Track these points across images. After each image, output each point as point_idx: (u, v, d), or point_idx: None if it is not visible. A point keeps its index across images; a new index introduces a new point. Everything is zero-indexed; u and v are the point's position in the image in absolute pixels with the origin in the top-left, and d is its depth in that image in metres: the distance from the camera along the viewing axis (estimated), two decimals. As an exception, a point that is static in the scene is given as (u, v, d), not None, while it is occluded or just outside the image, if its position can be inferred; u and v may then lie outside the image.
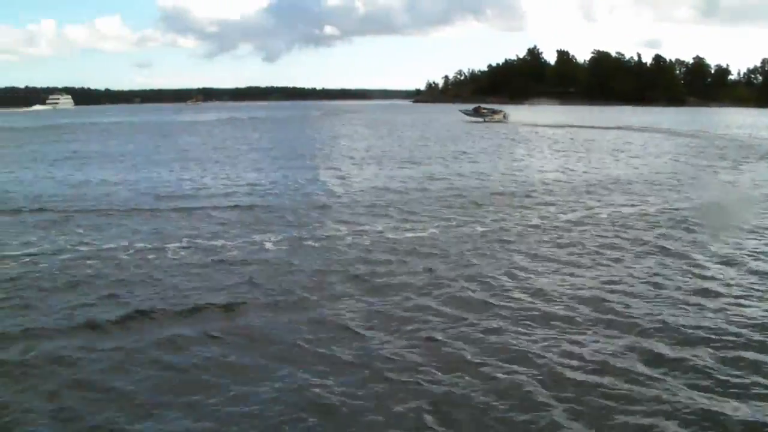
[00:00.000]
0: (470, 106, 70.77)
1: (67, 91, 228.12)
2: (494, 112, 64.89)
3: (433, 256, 10.70)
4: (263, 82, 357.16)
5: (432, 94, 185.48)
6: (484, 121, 62.42)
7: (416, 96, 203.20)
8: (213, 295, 8.66)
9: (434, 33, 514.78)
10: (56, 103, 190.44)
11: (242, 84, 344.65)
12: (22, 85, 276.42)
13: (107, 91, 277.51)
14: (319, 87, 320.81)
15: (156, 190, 18.54)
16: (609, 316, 7.79)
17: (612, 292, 8.77)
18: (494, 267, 10.06)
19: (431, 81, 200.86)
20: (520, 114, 69.37)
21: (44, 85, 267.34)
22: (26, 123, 77.59)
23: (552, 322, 7.63)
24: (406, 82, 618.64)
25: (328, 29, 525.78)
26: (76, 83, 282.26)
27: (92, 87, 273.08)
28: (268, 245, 11.53)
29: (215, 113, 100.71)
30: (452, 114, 73.47)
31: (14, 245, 11.52)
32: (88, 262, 10.37)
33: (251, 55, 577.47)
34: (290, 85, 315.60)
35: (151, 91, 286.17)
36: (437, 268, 9.95)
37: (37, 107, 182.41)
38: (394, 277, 9.52)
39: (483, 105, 70.27)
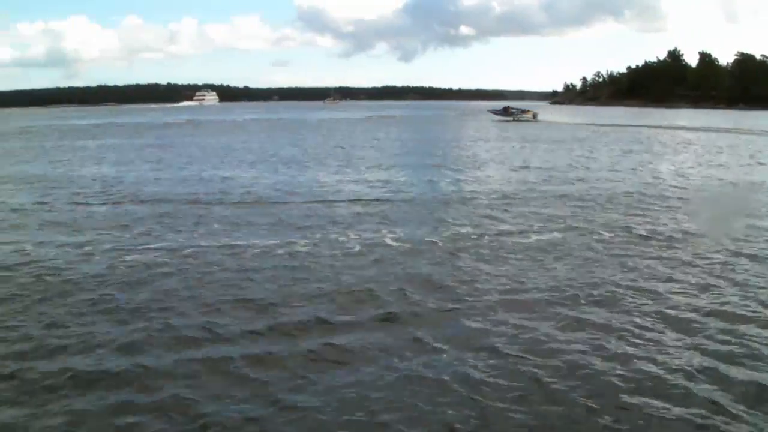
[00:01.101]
0: (499, 106, 72.78)
1: (207, 88, 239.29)
2: (523, 111, 66.64)
3: (565, 261, 9.72)
4: (399, 82, 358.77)
5: (569, 96, 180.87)
6: (514, 120, 64.00)
7: (552, 97, 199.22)
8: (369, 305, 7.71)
9: (571, 33, 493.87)
10: (202, 100, 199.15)
11: (378, 83, 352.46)
12: (164, 82, 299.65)
13: (246, 88, 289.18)
14: (455, 87, 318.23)
15: (297, 187, 18.08)
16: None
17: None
18: (640, 276, 8.89)
19: (568, 82, 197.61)
20: (553, 114, 72.57)
21: (185, 82, 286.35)
22: (181, 117, 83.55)
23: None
24: (543, 83, 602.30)
25: (464, 29, 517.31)
26: (216, 80, 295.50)
27: (232, 84, 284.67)
28: (390, 241, 10.97)
29: (354, 112, 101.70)
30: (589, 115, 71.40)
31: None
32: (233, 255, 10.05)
33: (387, 54, 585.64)
34: (426, 85, 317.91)
35: (289, 89, 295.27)
36: (578, 275, 8.94)
37: (185, 103, 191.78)
38: (533, 286, 8.44)
39: (511, 105, 71.15)
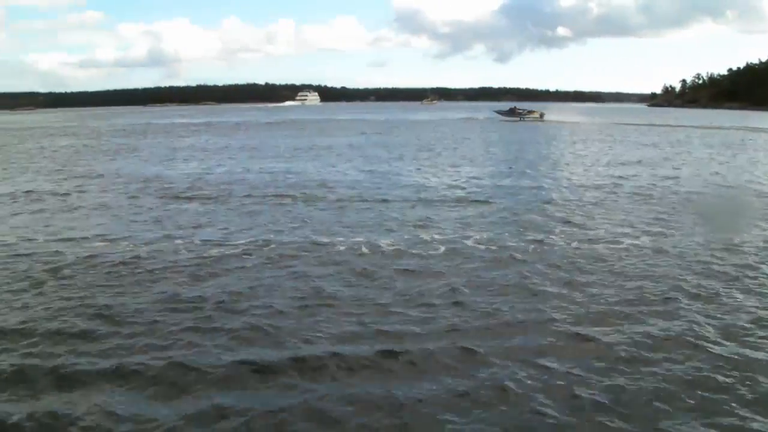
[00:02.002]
0: (505, 107, 73.39)
1: (305, 88, 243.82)
2: (530, 111, 67.33)
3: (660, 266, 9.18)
4: (495, 83, 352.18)
5: (667, 98, 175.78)
6: (521, 120, 64.57)
7: (651, 100, 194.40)
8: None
9: (670, 35, 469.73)
10: (305, 99, 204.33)
11: (475, 84, 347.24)
12: (262, 82, 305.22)
13: (344, 89, 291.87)
14: (551, 89, 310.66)
15: (384, 185, 18.23)
16: None
17: None
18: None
19: (667, 84, 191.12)
20: (558, 114, 73.44)
21: (283, 82, 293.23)
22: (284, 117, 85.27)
23: None
24: (641, 85, 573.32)
25: (561, 30, 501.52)
26: (313, 81, 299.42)
27: (329, 85, 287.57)
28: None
29: (453, 112, 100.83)
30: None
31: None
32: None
33: (483, 55, 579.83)
34: (522, 86, 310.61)
35: (386, 89, 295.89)
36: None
37: (288, 103, 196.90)
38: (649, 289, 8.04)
39: (518, 106, 71.49)
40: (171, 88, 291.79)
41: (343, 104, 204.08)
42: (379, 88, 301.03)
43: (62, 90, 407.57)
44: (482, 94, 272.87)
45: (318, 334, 6.59)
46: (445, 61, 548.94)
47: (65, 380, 5.63)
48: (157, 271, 8.97)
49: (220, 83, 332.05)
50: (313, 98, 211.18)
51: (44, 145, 37.81)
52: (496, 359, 5.97)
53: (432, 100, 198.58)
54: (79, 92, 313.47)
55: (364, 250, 10.16)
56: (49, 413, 5.04)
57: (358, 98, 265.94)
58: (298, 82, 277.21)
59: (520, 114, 66.30)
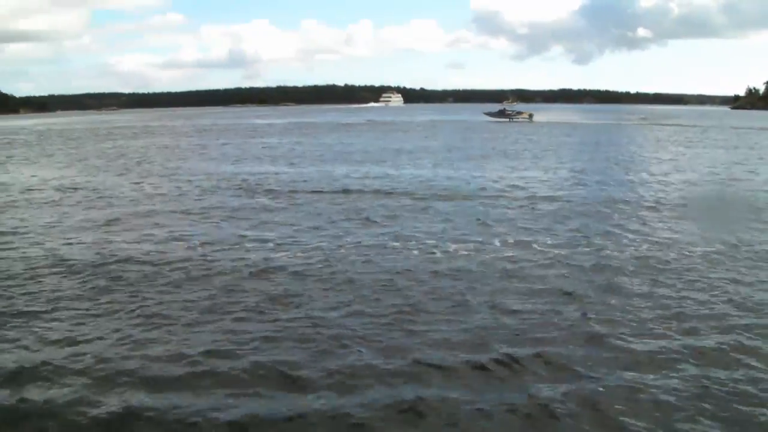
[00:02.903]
0: (495, 108, 75.33)
1: (384, 90, 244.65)
2: (519, 113, 69.41)
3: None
4: (574, 85, 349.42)
5: (750, 101, 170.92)
6: (510, 121, 66.34)
7: (734, 102, 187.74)
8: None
9: (755, 36, 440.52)
10: (388, 101, 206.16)
11: (554, 86, 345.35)
12: (341, 83, 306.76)
13: (422, 90, 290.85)
14: (632, 91, 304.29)
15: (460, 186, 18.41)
16: None
17: None
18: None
19: (751, 87, 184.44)
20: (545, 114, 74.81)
21: (361, 84, 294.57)
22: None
23: None
24: (724, 87, 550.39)
25: (641, 31, 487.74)
26: (392, 82, 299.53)
27: (408, 86, 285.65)
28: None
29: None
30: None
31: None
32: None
33: (562, 57, 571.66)
34: (602, 88, 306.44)
35: (464, 91, 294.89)
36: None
37: (372, 104, 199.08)
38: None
39: (507, 107, 73.55)
40: (251, 89, 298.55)
41: (426, 106, 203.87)
42: (458, 90, 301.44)
43: (145, 90, 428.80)
44: (561, 96, 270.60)
45: (448, 336, 6.57)
46: (523, 63, 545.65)
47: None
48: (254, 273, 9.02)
49: (299, 84, 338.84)
50: (397, 100, 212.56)
51: (124, 144, 40.47)
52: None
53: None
54: (162, 92, 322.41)
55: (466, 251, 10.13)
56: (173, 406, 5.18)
57: (437, 99, 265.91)
58: (377, 84, 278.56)
59: (509, 115, 68.50)
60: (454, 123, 69.97)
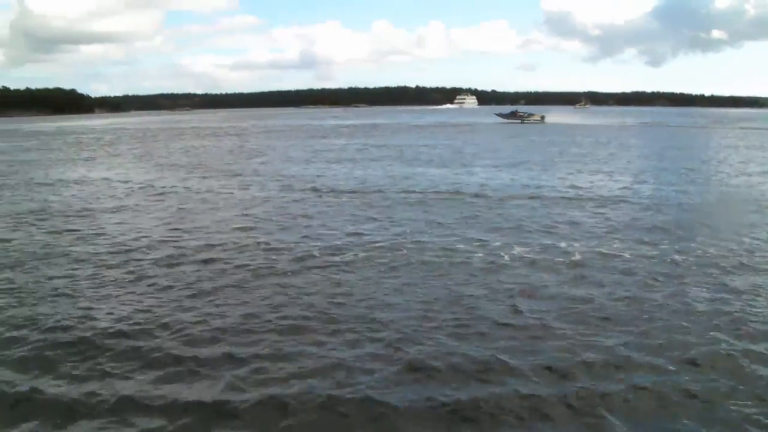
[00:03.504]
0: (506, 110, 77.27)
1: (456, 91, 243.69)
2: (530, 115, 71.39)
3: None
4: (647, 87, 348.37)
5: None
6: (522, 123, 67.62)
7: None
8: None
9: None
10: (462, 103, 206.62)
11: (627, 89, 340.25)
12: (412, 85, 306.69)
13: (494, 92, 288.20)
14: (706, 93, 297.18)
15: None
16: None
17: None
18: None
19: None
20: (556, 116, 74.11)
21: (432, 85, 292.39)
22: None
23: None
24: None
25: (716, 33, 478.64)
26: (463, 84, 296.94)
27: (479, 88, 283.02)
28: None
29: (608, 118, 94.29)
30: None
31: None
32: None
33: (635, 59, 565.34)
34: (676, 90, 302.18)
35: (536, 93, 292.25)
36: None
37: (447, 105, 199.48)
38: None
39: (519, 109, 76.45)
40: (323, 90, 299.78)
41: (495, 108, 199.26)
42: (530, 92, 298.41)
43: (217, 91, 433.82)
44: (634, 99, 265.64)
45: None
46: (595, 65, 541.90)
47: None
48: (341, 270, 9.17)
49: (370, 86, 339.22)
50: (471, 101, 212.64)
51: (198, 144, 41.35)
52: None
53: (585, 104, 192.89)
54: (234, 93, 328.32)
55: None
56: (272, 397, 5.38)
57: (509, 101, 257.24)
58: (448, 86, 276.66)
59: (521, 117, 70.59)
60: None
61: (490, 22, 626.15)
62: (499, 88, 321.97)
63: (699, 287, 8.47)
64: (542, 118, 69.91)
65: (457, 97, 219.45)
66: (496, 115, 76.56)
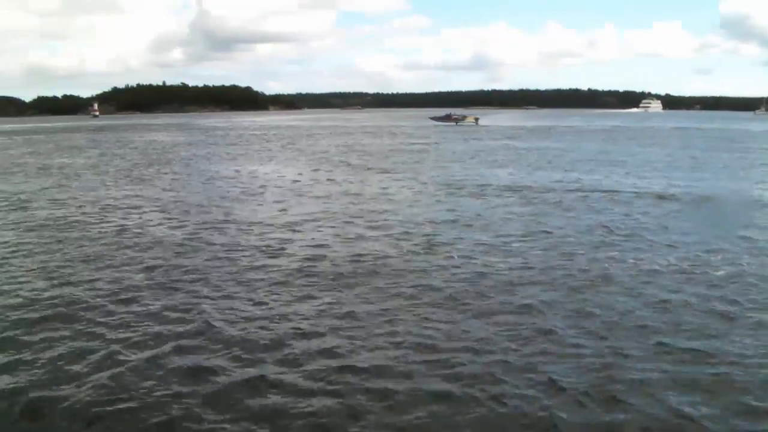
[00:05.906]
0: (440, 114, 76.52)
1: (629, 95, 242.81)
2: (464, 117, 72.42)
3: None
4: None
5: None
6: (456, 125, 68.68)
7: None
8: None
9: None
10: (647, 107, 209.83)
11: None
12: (584, 87, 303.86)
13: (668, 96, 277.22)
14: None
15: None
16: None
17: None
18: None
19: None
20: (488, 119, 76.66)
21: (604, 88, 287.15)
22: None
23: None
24: None
25: None
26: (635, 87, 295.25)
27: (651, 91, 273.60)
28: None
29: None
30: None
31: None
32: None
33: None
34: None
35: (711, 98, 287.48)
36: None
37: (633, 110, 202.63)
38: None
39: (453, 112, 77.16)
40: (493, 92, 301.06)
41: (670, 112, 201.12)
42: (705, 96, 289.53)
43: (388, 91, 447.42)
44: None
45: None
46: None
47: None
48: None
49: (541, 88, 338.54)
50: (656, 106, 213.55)
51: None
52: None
53: (765, 110, 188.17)
54: (404, 93, 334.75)
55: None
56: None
57: (684, 106, 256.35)
58: (620, 89, 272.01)
59: (456, 119, 71.13)
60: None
61: (662, 24, 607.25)
62: (673, 92, 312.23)
63: None
64: (476, 120, 70.80)
65: (642, 101, 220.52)
66: (430, 118, 75.61)
